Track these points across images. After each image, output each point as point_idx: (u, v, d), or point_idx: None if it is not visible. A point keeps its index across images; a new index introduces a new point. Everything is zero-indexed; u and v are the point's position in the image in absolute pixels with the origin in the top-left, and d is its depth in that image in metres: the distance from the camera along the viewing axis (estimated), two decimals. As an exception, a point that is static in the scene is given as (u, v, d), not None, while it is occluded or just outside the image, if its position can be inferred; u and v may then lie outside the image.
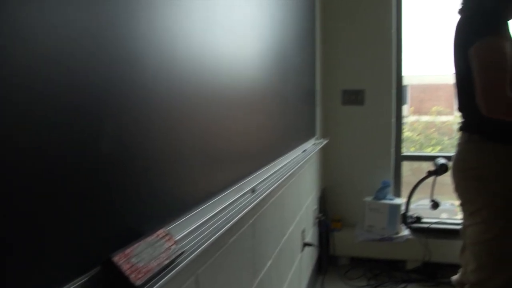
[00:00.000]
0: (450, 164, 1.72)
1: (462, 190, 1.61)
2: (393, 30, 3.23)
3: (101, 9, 0.63)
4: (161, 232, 0.78)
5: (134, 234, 0.72)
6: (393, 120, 3.27)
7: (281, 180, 1.60)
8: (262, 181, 1.44)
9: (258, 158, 1.46)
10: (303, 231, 2.47)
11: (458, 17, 1.61)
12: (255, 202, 1.26)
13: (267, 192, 1.39)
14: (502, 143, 1.50)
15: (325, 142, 2.86)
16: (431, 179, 2.99)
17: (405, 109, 14.81)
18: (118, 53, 0.67)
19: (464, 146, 1.59)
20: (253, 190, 1.31)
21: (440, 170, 2.87)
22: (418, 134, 12.20)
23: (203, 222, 0.98)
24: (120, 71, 0.68)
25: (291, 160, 1.94)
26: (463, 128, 1.61)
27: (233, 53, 1.19)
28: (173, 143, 0.86)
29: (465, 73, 1.53)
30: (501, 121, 1.42)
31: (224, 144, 1.13)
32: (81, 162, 0.60)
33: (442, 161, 2.90)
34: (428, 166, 3.05)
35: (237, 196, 1.20)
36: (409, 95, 15.06)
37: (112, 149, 0.66)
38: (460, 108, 1.65)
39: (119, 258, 0.63)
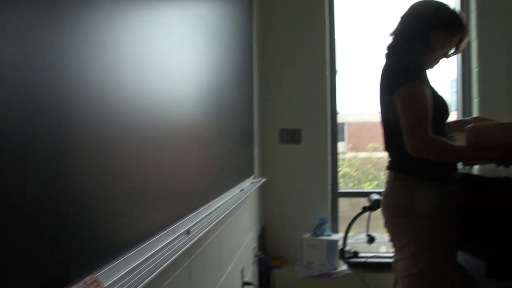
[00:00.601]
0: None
1: (391, 225, 1.70)
2: (328, 72, 3.40)
3: (22, 49, 0.62)
4: (88, 279, 0.77)
5: (60, 283, 0.70)
6: (329, 158, 3.39)
7: (217, 220, 1.60)
8: (198, 221, 1.44)
9: (194, 198, 1.46)
10: (242, 270, 2.46)
11: (384, 61, 1.74)
12: (190, 243, 1.26)
13: (202, 233, 1.39)
14: (426, 180, 1.60)
15: (263, 180, 2.90)
16: (367, 214, 3.10)
17: (343, 146, 15.34)
18: (43, 94, 0.66)
19: (392, 184, 1.68)
20: (188, 232, 1.31)
21: (374, 205, 2.99)
22: (356, 170, 12.61)
23: (135, 266, 0.96)
24: (46, 113, 0.67)
25: (228, 199, 1.95)
26: (390, 167, 1.71)
27: (168, 93, 1.20)
28: (102, 185, 0.85)
29: (390, 115, 1.64)
30: (425, 160, 1.52)
31: (157, 185, 1.13)
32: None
33: (376, 196, 3.02)
34: (365, 201, 3.17)
35: (171, 238, 1.19)
36: (346, 132, 15.67)
37: (36, 193, 0.65)
38: (387, 148, 1.76)
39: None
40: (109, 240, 0.89)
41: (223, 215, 1.71)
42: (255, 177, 2.79)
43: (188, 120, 1.39)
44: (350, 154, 14.42)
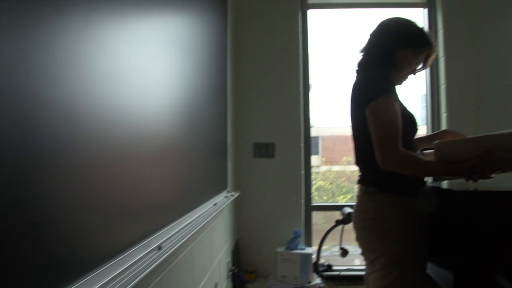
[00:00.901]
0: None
1: (362, 239, 1.71)
2: (301, 86, 3.44)
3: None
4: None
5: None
6: (303, 171, 3.42)
7: (190, 235, 1.60)
8: (170, 237, 1.43)
9: (166, 213, 1.45)
10: (216, 285, 2.44)
11: (355, 77, 1.77)
12: (161, 259, 1.25)
13: (174, 248, 1.38)
14: (396, 194, 1.63)
15: (236, 194, 2.91)
16: (340, 227, 3.13)
17: (317, 160, 15.47)
18: (13, 108, 0.66)
19: (362, 197, 1.70)
20: (159, 247, 1.30)
21: (347, 219, 3.03)
22: (330, 183, 12.72)
23: (105, 283, 0.95)
24: (16, 127, 0.66)
25: (201, 214, 1.94)
26: (361, 181, 1.74)
27: (140, 107, 1.20)
28: (72, 200, 0.84)
29: (361, 129, 1.67)
30: (394, 174, 1.55)
31: (129, 200, 1.12)
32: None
33: (348, 210, 3.06)
34: (339, 214, 3.20)
35: (142, 254, 1.18)
36: (320, 146, 15.82)
37: (4, 208, 0.64)
38: (357, 162, 1.78)
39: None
40: (78, 256, 0.87)
41: (195, 230, 1.70)
42: (228, 191, 2.79)
43: (160, 134, 1.39)
44: (324, 168, 14.55)
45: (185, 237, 1.53)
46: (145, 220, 1.25)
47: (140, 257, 1.15)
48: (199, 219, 1.85)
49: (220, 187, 2.54)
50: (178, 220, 1.57)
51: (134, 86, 1.16)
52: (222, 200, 2.50)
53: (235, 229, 3.31)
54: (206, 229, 2.20)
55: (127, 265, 1.07)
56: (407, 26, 1.74)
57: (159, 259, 1.22)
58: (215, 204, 2.25)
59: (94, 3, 0.93)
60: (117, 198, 1.05)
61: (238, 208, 3.35)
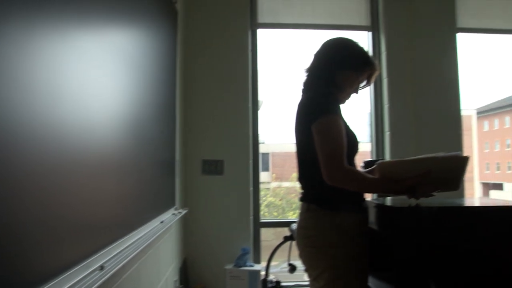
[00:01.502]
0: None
1: (305, 256, 1.73)
2: (250, 104, 3.48)
3: None
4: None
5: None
6: (251, 188, 3.44)
7: (134, 254, 1.57)
8: (114, 256, 1.40)
9: (110, 231, 1.42)
10: (162, 305, 2.39)
11: (300, 96, 1.81)
12: (103, 279, 1.22)
13: (117, 267, 1.35)
14: (338, 210, 1.67)
15: (184, 212, 2.88)
16: (289, 243, 3.15)
17: (268, 176, 15.59)
18: None
19: (304, 215, 1.72)
20: (101, 267, 1.27)
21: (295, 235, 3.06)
22: (280, 200, 12.82)
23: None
24: None
25: (148, 231, 1.91)
26: (303, 198, 1.77)
27: (83, 122, 1.18)
28: (3, 219, 0.81)
29: (305, 147, 1.70)
30: (336, 191, 1.59)
31: (68, 218, 1.09)
32: None
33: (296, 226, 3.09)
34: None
35: (83, 275, 1.15)
36: (270, 162, 15.97)
37: None
38: (300, 179, 1.81)
39: None
40: (12, 280, 0.84)
41: (141, 248, 1.67)
42: (176, 208, 2.76)
43: (104, 151, 1.36)
44: (274, 184, 14.66)
45: (129, 256, 1.50)
46: (86, 239, 1.22)
47: (80, 278, 1.12)
48: (145, 237, 1.82)
49: (167, 204, 2.51)
50: (123, 239, 1.54)
51: (77, 100, 1.14)
52: (170, 217, 2.47)
53: (183, 247, 3.27)
54: (152, 247, 2.16)
55: (67, 287, 1.04)
56: (349, 46, 1.79)
57: (101, 279, 1.20)
58: (162, 222, 2.22)
59: (34, 17, 0.92)
60: (54, 217, 1.02)
61: (186, 225, 3.32)
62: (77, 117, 1.14)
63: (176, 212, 2.71)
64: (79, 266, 1.13)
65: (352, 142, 1.69)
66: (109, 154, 1.42)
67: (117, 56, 1.51)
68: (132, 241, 1.65)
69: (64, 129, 1.06)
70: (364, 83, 1.82)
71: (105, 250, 1.34)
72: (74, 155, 1.12)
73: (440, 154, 1.56)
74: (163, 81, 2.41)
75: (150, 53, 2.06)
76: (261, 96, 3.68)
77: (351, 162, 1.69)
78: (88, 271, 1.18)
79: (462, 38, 3.81)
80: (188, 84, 3.40)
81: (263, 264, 3.36)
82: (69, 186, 1.09)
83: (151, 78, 2.06)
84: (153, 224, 2.05)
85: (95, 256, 1.25)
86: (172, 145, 2.74)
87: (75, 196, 1.13)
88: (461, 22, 3.76)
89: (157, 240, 2.23)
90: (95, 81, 1.28)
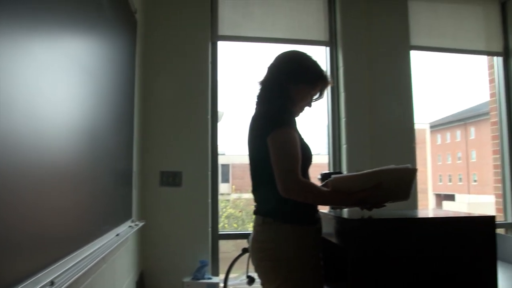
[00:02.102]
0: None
1: (262, 270, 1.73)
2: (209, 115, 3.48)
3: None
4: None
5: None
6: (210, 200, 3.43)
7: (88, 268, 1.53)
8: (65, 271, 1.36)
9: (61, 245, 1.38)
10: (117, 320, 2.33)
11: (255, 109, 1.82)
12: (53, 295, 1.18)
13: (69, 283, 1.31)
14: (293, 223, 1.68)
15: (141, 224, 2.83)
16: (247, 255, 3.15)
17: (228, 187, 15.56)
18: None
19: (259, 228, 1.72)
20: (52, 283, 1.23)
21: (253, 246, 3.07)
22: (240, 211, 12.80)
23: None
24: None
25: (103, 245, 1.87)
26: (257, 211, 1.77)
27: (33, 132, 1.15)
28: None
29: (259, 160, 1.71)
30: (290, 203, 1.60)
31: (15, 231, 1.06)
32: None
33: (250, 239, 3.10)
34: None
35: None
36: (231, 173, 15.96)
37: None
38: (254, 192, 1.82)
39: None
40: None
41: (95, 262, 1.63)
42: (133, 221, 2.71)
43: (56, 160, 1.33)
44: (234, 195, 14.64)
45: (82, 270, 1.46)
46: (35, 253, 1.18)
47: (29, 294, 1.08)
48: (100, 251, 1.78)
49: (124, 217, 2.46)
50: (76, 252, 1.50)
51: (27, 109, 1.11)
52: (126, 230, 2.42)
53: (140, 260, 3.21)
54: (107, 260, 2.11)
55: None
56: (301, 60, 1.81)
57: (51, 295, 1.16)
58: (117, 235, 2.18)
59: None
60: (1, 230, 0.98)
61: (143, 238, 3.26)
62: (27, 126, 1.11)
63: (132, 224, 2.66)
64: (27, 282, 1.09)
65: (307, 155, 1.71)
66: (62, 164, 1.38)
67: (72, 66, 1.48)
68: (85, 254, 1.61)
69: (11, 137, 1.03)
70: (317, 96, 1.85)
71: (56, 265, 1.30)
72: (22, 164, 1.09)
73: (390, 166, 1.62)
74: (121, 92, 2.38)
75: (107, 63, 2.03)
76: (221, 108, 3.69)
77: (305, 174, 1.71)
78: (38, 287, 1.14)
79: (416, 56, 3.98)
80: (147, 95, 3.37)
81: (222, 276, 3.34)
82: (16, 196, 1.06)
83: (107, 88, 2.03)
84: (109, 237, 2.01)
85: (45, 271, 1.21)
86: (130, 156, 2.70)
87: (23, 207, 1.10)
88: (414, 40, 3.93)
89: (112, 253, 2.18)
90: (47, 90, 1.25)
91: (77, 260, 1.50)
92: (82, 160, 1.61)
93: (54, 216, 1.32)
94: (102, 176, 1.94)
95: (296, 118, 1.76)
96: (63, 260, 1.36)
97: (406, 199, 1.65)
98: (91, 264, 1.58)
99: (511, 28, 4.12)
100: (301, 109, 1.84)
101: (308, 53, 1.84)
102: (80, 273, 1.43)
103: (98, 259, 1.69)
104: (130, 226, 2.57)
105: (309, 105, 1.85)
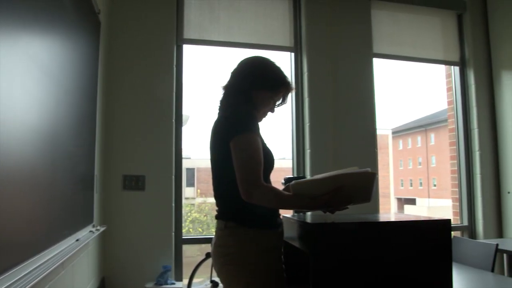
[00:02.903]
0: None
1: (224, 274, 1.72)
2: (173, 119, 3.46)
3: None
4: None
5: None
6: (173, 204, 3.40)
7: (45, 274, 1.48)
8: (20, 278, 1.31)
9: (16, 252, 1.34)
10: (76, 328, 2.27)
11: (218, 114, 1.82)
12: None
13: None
14: (255, 227, 1.69)
15: (102, 229, 2.77)
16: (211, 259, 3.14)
17: (193, 191, 15.45)
18: None
19: (222, 232, 1.72)
20: (6, 290, 1.19)
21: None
22: (205, 215, 12.74)
23: None
24: None
25: (61, 250, 1.82)
26: (219, 216, 1.76)
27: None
28: None
29: (222, 164, 1.71)
30: (252, 208, 1.61)
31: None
32: None
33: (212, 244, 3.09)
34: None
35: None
36: (196, 177, 15.85)
37: None
38: (216, 196, 1.82)
39: None
40: None
41: (52, 269, 1.58)
42: (94, 226, 2.65)
43: (11, 165, 1.28)
44: (199, 199, 14.56)
45: (38, 277, 1.42)
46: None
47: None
48: (58, 256, 1.73)
49: (84, 221, 2.41)
50: (32, 259, 1.45)
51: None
52: (87, 235, 2.37)
53: (101, 266, 3.14)
54: (66, 266, 2.06)
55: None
56: (264, 66, 1.82)
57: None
58: (77, 240, 2.13)
59: None
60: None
61: (105, 243, 3.19)
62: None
63: (94, 229, 2.60)
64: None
65: (269, 160, 1.73)
66: (17, 167, 1.34)
67: (30, 65, 1.44)
68: (43, 260, 1.56)
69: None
70: (280, 101, 1.87)
71: (10, 272, 1.25)
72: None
73: (350, 169, 1.66)
74: (83, 94, 2.33)
75: (68, 64, 1.98)
76: (187, 111, 3.67)
77: (267, 179, 1.73)
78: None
79: (379, 63, 4.09)
80: (110, 98, 3.31)
81: (186, 281, 3.31)
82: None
83: (69, 90, 1.99)
84: (68, 242, 1.96)
85: (-1, 278, 1.17)
86: (91, 160, 2.65)
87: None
88: (377, 48, 4.03)
89: (71, 259, 2.13)
90: (2, 90, 1.21)
91: (34, 267, 1.45)
92: (39, 164, 1.56)
93: (9, 221, 1.28)
94: (61, 179, 1.89)
95: (259, 124, 1.78)
96: (18, 267, 1.31)
97: (368, 201, 1.69)
98: (49, 271, 1.53)
99: (467, 39, 4.30)
100: (264, 115, 1.86)
101: (272, 59, 1.85)
102: (36, 280, 1.39)
103: (56, 265, 1.65)
104: (91, 231, 2.52)
105: (272, 111, 1.87)
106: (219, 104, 1.82)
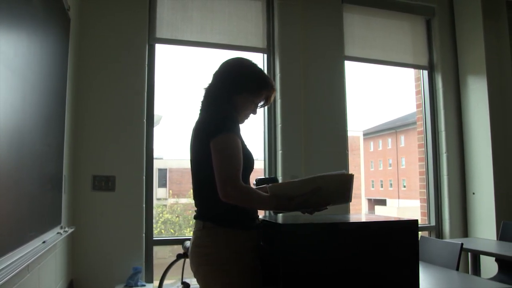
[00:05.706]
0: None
1: (201, 275, 1.71)
2: (145, 119, 3.42)
3: None
4: None
5: None
6: (144, 205, 3.36)
7: (9, 277, 1.44)
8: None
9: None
10: (42, 332, 2.22)
11: (199, 114, 1.82)
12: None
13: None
14: (233, 228, 1.69)
15: (71, 230, 2.72)
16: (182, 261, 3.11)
17: (165, 192, 15.30)
18: None
19: (199, 233, 1.72)
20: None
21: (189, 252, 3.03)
22: (177, 216, 12.64)
23: None
24: None
25: (27, 253, 1.77)
26: (198, 216, 1.76)
27: None
28: None
29: (201, 164, 1.71)
30: (231, 208, 1.61)
31: None
32: None
33: (189, 244, 3.07)
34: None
35: None
36: (168, 178, 15.69)
37: None
38: (195, 196, 1.81)
39: None
40: None
41: (16, 272, 1.54)
42: (62, 227, 2.59)
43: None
44: (171, 200, 14.43)
45: (1, 280, 1.38)
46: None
47: None
48: (23, 259, 1.68)
49: (52, 223, 2.35)
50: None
51: None
52: (54, 237, 2.31)
53: (70, 268, 3.07)
54: (32, 269, 2.00)
55: None
56: (246, 69, 1.83)
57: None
58: (44, 242, 2.07)
59: None
60: None
61: (74, 245, 3.13)
62: None
63: (61, 231, 2.54)
64: None
65: (249, 162, 1.74)
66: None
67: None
68: (7, 263, 1.51)
69: None
70: (262, 103, 1.88)
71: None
72: None
73: (328, 173, 1.69)
74: (51, 92, 2.28)
75: (35, 61, 1.93)
76: (159, 111, 3.63)
77: (246, 181, 1.73)
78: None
79: (350, 66, 4.15)
80: (80, 96, 3.25)
81: (156, 283, 3.28)
82: None
83: (35, 88, 1.94)
84: (34, 244, 1.91)
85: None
86: (60, 160, 2.59)
87: None
88: (348, 50, 4.10)
89: (37, 262, 2.08)
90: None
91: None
92: (4, 162, 1.52)
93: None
94: (28, 179, 1.84)
95: (240, 125, 1.78)
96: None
97: (347, 202, 1.72)
98: (13, 274, 1.49)
99: (435, 44, 4.41)
100: (246, 116, 1.86)
101: (254, 61, 1.86)
102: (0, 283, 1.35)
103: (21, 268, 1.60)
104: (58, 233, 2.46)
105: (254, 113, 1.87)
106: (200, 105, 1.82)
